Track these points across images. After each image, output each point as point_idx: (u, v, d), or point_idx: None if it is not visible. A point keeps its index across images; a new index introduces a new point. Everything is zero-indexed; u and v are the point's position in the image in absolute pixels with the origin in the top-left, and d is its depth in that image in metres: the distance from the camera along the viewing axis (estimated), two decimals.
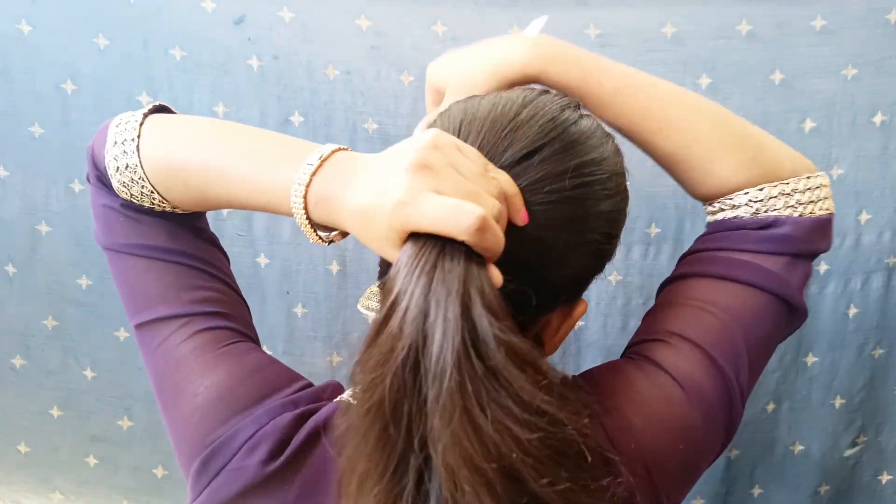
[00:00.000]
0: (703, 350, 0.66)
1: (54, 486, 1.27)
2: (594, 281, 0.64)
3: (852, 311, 1.14)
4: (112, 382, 1.22)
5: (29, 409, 1.24)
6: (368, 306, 0.65)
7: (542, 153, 0.55)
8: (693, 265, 0.73)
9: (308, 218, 0.54)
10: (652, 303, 1.14)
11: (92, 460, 1.25)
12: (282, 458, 0.60)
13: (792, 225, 0.70)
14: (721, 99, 1.08)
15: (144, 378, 1.20)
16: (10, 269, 1.18)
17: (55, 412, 1.23)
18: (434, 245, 0.48)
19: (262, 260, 1.14)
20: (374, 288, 0.64)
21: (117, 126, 0.65)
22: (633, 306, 1.16)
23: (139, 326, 0.67)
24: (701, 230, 1.12)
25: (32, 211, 1.16)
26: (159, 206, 0.65)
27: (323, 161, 0.53)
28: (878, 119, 1.07)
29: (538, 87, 0.66)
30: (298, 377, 0.67)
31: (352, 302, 1.16)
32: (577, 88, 0.70)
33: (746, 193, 0.71)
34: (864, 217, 1.10)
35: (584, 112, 0.62)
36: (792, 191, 0.72)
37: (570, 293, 0.62)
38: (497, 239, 0.48)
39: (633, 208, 1.11)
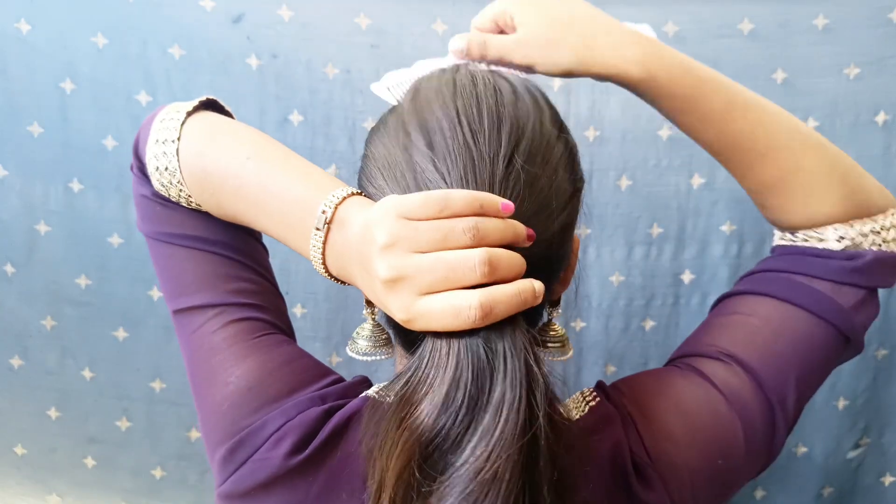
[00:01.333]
0: (753, 373, 0.64)
1: (51, 487, 1.26)
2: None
3: None
4: (110, 383, 1.21)
5: (26, 411, 1.23)
6: (357, 350, 0.64)
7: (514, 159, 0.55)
8: (758, 284, 0.70)
9: (330, 275, 0.57)
10: (653, 302, 1.15)
11: (90, 461, 1.24)
12: (306, 452, 0.60)
13: (873, 259, 0.67)
14: None
15: (143, 379, 1.20)
16: (9, 268, 1.18)
17: (53, 413, 1.23)
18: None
19: None
20: (360, 330, 0.64)
21: (161, 122, 0.65)
22: (635, 307, 1.15)
23: (176, 312, 0.68)
24: (701, 230, 1.12)
25: (31, 210, 1.15)
26: (196, 206, 0.66)
27: (329, 226, 0.54)
28: (880, 118, 1.06)
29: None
30: (329, 371, 0.67)
31: (351, 302, 1.15)
32: (684, 99, 0.68)
33: (836, 229, 0.68)
34: None
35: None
36: (881, 228, 0.69)
37: (567, 243, 0.63)
38: (509, 297, 0.48)
39: (635, 208, 1.13)
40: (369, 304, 0.62)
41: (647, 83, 0.68)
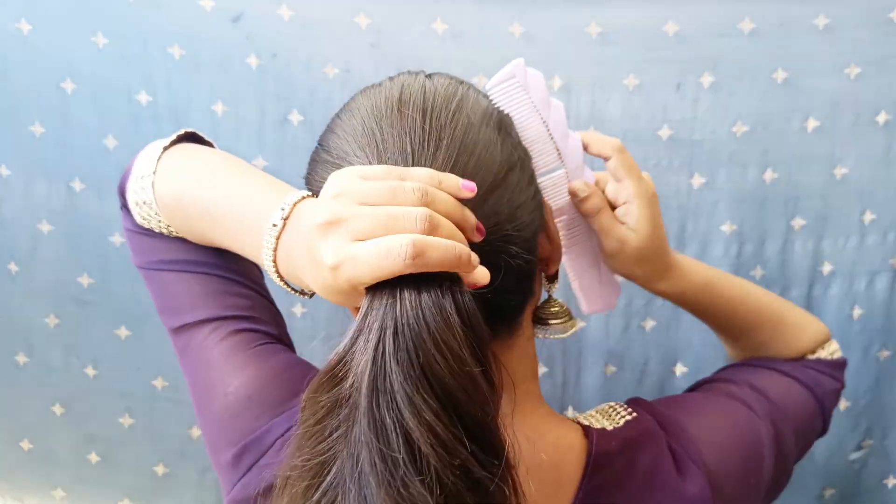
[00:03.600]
0: (771, 401, 0.76)
1: (56, 483, 1.28)
2: None
3: (857, 312, 1.13)
4: (113, 380, 1.22)
5: (31, 407, 1.24)
6: None
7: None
8: (755, 363, 0.86)
9: (281, 278, 0.55)
10: (653, 302, 1.15)
11: (93, 458, 1.25)
12: None
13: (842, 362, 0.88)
14: (723, 98, 1.07)
15: (145, 377, 1.21)
16: (13, 267, 1.19)
17: (57, 409, 1.24)
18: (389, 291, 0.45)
19: None
20: None
21: (141, 158, 0.68)
22: (634, 307, 1.15)
23: (174, 331, 0.69)
24: (702, 230, 1.12)
25: (34, 210, 1.16)
26: (177, 235, 0.68)
27: (285, 222, 0.53)
28: (881, 118, 1.06)
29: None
30: None
31: None
32: (699, 305, 0.86)
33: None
34: (867, 217, 1.09)
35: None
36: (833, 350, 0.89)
37: (539, 220, 0.61)
38: (445, 247, 0.44)
39: None
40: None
41: (677, 297, 0.82)
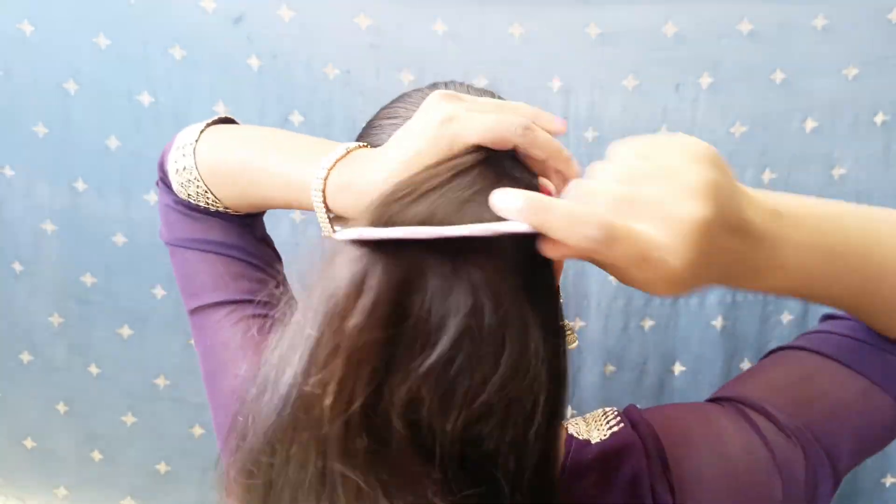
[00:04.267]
0: (803, 435, 0.59)
1: (59, 481, 1.28)
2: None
3: None
4: (116, 379, 1.23)
5: (35, 405, 1.25)
6: None
7: None
8: (827, 346, 0.63)
9: (327, 208, 0.55)
10: (652, 301, 1.15)
11: (96, 456, 1.26)
12: None
13: None
14: (722, 98, 1.08)
15: (147, 375, 1.22)
16: (17, 266, 1.19)
17: (61, 408, 1.25)
18: None
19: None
20: None
21: (183, 132, 0.70)
22: (634, 307, 1.15)
23: (193, 312, 0.71)
24: None
25: (37, 210, 1.17)
26: (213, 205, 0.69)
27: (345, 154, 0.55)
28: (879, 119, 1.06)
29: None
30: None
31: None
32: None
33: None
34: None
35: None
36: None
37: None
38: (546, 138, 0.48)
39: None
40: None
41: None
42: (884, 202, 1.07)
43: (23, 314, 1.22)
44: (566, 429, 0.64)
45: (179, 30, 1.10)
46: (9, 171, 1.16)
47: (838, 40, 1.04)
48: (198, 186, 0.68)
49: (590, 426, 0.63)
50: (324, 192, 0.54)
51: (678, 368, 1.16)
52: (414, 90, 0.66)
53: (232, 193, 0.67)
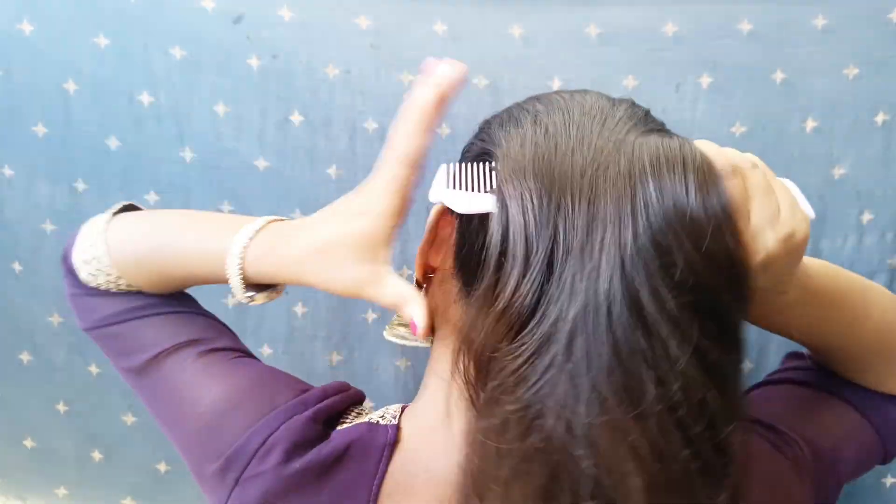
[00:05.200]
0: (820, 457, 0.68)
1: (60, 480, 1.28)
2: None
3: None
4: (116, 379, 1.19)
5: (34, 405, 1.25)
6: (398, 334, 0.65)
7: None
8: (841, 389, 0.74)
9: (243, 276, 0.59)
10: None
11: (96, 456, 1.26)
12: (299, 463, 0.60)
13: None
14: (722, 98, 1.08)
15: None
16: (17, 266, 1.19)
17: (61, 407, 1.25)
18: None
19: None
20: (399, 317, 0.64)
21: (88, 226, 0.71)
22: None
23: (141, 370, 0.70)
24: None
25: (37, 210, 1.17)
26: (121, 289, 0.70)
27: (264, 225, 0.60)
28: (880, 119, 1.06)
29: None
30: (301, 382, 0.69)
31: (352, 302, 1.16)
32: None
33: None
34: (866, 217, 1.09)
35: None
36: None
37: None
38: None
39: None
40: (391, 328, 0.64)
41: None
42: (884, 201, 1.08)
43: (22, 314, 1.22)
44: None
45: (179, 30, 1.10)
46: (8, 171, 1.16)
47: (838, 40, 1.04)
48: (108, 275, 0.68)
49: None
50: (242, 264, 0.59)
51: None
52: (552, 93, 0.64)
53: (149, 278, 0.68)
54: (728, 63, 1.06)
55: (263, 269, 0.59)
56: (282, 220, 0.62)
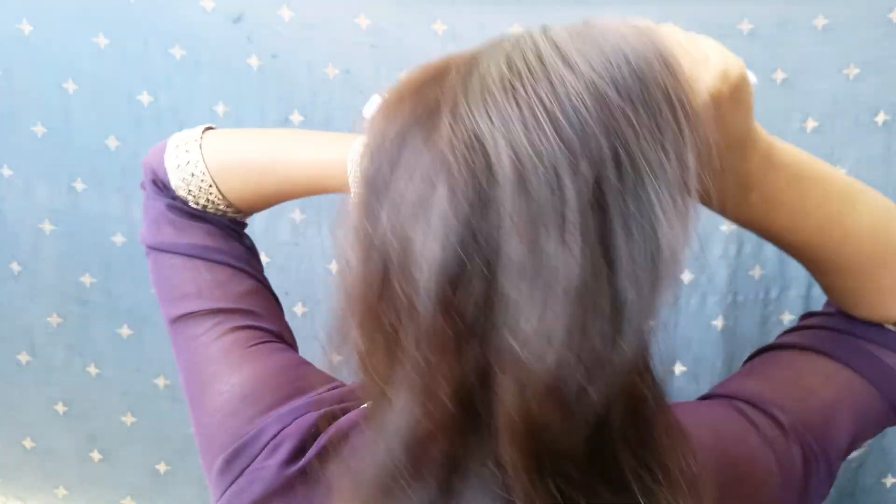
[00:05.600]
0: (800, 433, 0.60)
1: (59, 481, 1.28)
2: None
3: None
4: (115, 379, 1.23)
5: (34, 406, 1.25)
6: None
7: None
8: (819, 342, 0.66)
9: None
10: None
11: (96, 456, 1.26)
12: (302, 462, 0.59)
13: None
14: None
15: (147, 375, 1.21)
16: (16, 266, 1.19)
17: (60, 408, 1.25)
18: None
19: (263, 258, 1.14)
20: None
21: (179, 135, 0.70)
22: None
23: (174, 321, 0.69)
24: (700, 230, 1.12)
25: (36, 210, 1.17)
26: (213, 203, 0.68)
27: None
28: (880, 119, 1.06)
29: None
30: (329, 378, 0.67)
31: None
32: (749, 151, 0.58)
33: None
34: None
35: None
36: None
37: None
38: None
39: None
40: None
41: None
42: None
43: (21, 314, 1.22)
44: None
45: (179, 29, 1.09)
46: (7, 171, 1.15)
47: (839, 40, 1.04)
48: (202, 181, 0.67)
49: None
50: None
51: (678, 368, 1.16)
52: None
53: (242, 185, 0.67)
54: None
55: None
56: None
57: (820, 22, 1.04)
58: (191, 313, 0.67)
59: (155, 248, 0.71)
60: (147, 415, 1.24)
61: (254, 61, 1.10)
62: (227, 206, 0.70)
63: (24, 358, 1.23)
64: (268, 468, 0.60)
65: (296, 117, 1.11)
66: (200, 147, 0.68)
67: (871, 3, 1.02)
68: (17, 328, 1.22)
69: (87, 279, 1.19)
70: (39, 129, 1.13)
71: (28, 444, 1.27)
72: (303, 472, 0.59)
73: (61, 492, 1.28)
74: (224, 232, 0.71)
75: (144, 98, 1.12)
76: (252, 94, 1.11)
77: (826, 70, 1.05)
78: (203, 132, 0.70)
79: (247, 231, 0.77)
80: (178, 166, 0.68)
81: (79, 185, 1.15)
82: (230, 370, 0.64)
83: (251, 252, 0.74)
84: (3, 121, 1.14)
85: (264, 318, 0.69)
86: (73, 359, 1.23)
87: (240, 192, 0.69)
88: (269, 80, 1.10)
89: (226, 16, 1.08)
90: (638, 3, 1.06)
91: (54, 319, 1.21)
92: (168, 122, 1.12)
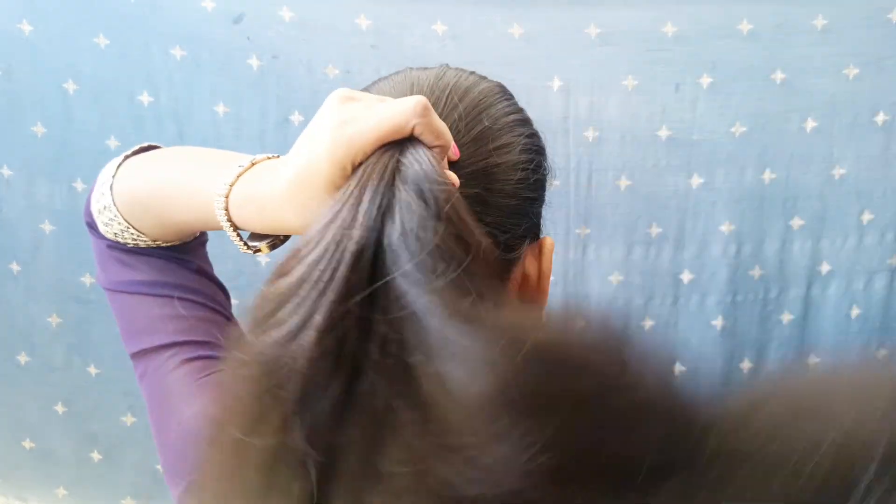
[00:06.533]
0: None
1: (59, 481, 1.28)
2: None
3: (855, 312, 1.13)
4: (115, 379, 1.23)
5: (33, 406, 1.25)
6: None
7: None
8: None
9: (233, 225, 0.53)
10: (651, 302, 1.15)
11: (95, 456, 1.26)
12: None
13: None
14: (722, 98, 1.08)
15: None
16: (15, 266, 1.19)
17: (59, 408, 1.24)
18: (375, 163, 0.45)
19: (263, 259, 1.14)
20: None
21: (103, 171, 0.67)
22: (633, 306, 1.15)
23: (133, 357, 0.69)
24: (700, 230, 1.12)
25: (36, 210, 1.17)
26: (140, 240, 0.67)
27: (249, 166, 0.52)
28: (879, 119, 1.06)
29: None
30: None
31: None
32: None
33: None
34: (866, 217, 1.09)
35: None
36: None
37: (526, 226, 0.59)
38: (441, 124, 0.46)
39: (634, 208, 1.13)
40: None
41: None
42: (884, 201, 1.08)
43: (21, 315, 1.22)
44: None
45: (180, 30, 1.09)
46: (7, 171, 1.15)
47: (838, 40, 1.04)
48: (119, 223, 0.65)
49: None
50: (226, 209, 0.52)
51: (678, 368, 1.16)
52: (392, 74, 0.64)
53: (149, 222, 0.65)
54: (728, 63, 1.07)
55: (249, 217, 0.52)
56: (273, 157, 0.55)
57: (820, 22, 1.04)
58: (146, 349, 0.67)
59: (107, 289, 0.70)
60: (147, 415, 1.23)
61: (254, 61, 1.10)
62: (155, 240, 0.68)
63: (23, 359, 1.23)
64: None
65: (296, 117, 1.11)
66: (111, 188, 0.65)
67: (870, 3, 1.03)
68: (17, 329, 1.22)
69: (86, 279, 1.19)
70: (39, 129, 1.13)
71: (28, 444, 1.27)
72: None
73: (61, 492, 1.28)
74: (167, 262, 0.69)
75: (145, 98, 1.12)
76: (252, 94, 1.11)
77: (825, 70, 1.05)
78: (120, 164, 0.66)
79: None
80: (100, 211, 0.66)
81: (79, 186, 1.15)
82: (186, 402, 0.64)
83: (202, 277, 0.72)
84: (2, 121, 1.13)
85: (217, 347, 0.68)
86: (73, 359, 1.23)
87: (153, 229, 0.66)
88: (269, 79, 1.10)
89: (226, 16, 1.08)
90: (638, 4, 1.06)
91: (54, 319, 1.21)
92: (168, 123, 1.12)
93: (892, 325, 1.13)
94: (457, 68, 0.60)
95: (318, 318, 0.41)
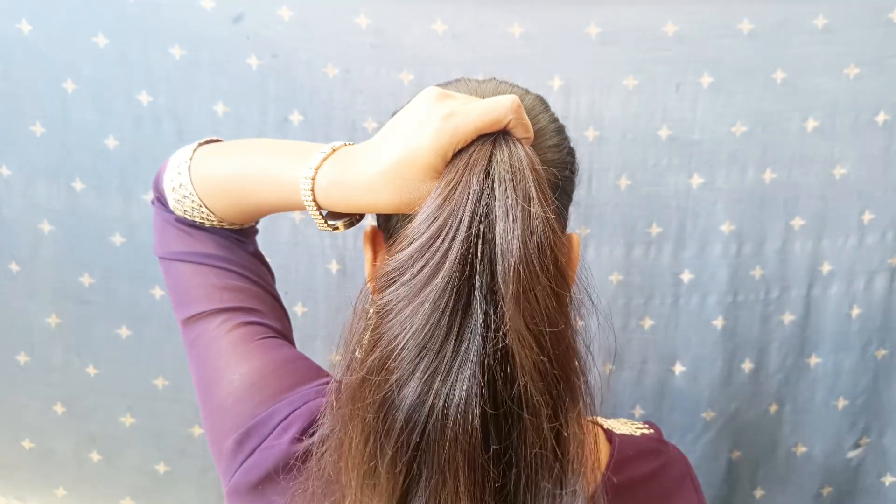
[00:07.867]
0: None
1: (58, 481, 1.28)
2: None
3: (855, 311, 1.13)
4: (114, 380, 1.23)
5: (33, 406, 1.25)
6: None
7: None
8: None
9: (317, 205, 0.58)
10: (651, 301, 1.15)
11: (95, 456, 1.26)
12: (306, 442, 0.62)
13: None
14: (722, 98, 1.08)
15: (146, 376, 1.21)
16: (14, 266, 1.19)
17: (59, 409, 1.24)
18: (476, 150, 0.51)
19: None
20: None
21: (178, 154, 0.73)
22: (633, 306, 1.15)
23: (185, 322, 0.72)
24: (701, 229, 1.12)
25: (35, 210, 1.17)
26: (208, 220, 0.71)
27: (333, 150, 0.57)
28: (880, 118, 1.06)
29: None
30: (327, 373, 0.70)
31: (351, 302, 1.15)
32: None
33: None
34: (867, 217, 1.09)
35: None
36: None
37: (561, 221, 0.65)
38: (528, 120, 0.53)
39: (635, 208, 1.13)
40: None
41: None
42: (884, 201, 1.08)
43: (20, 315, 1.22)
44: (602, 424, 0.69)
45: (179, 29, 1.09)
46: (6, 171, 1.15)
47: (839, 40, 1.04)
48: (193, 201, 0.70)
49: (622, 426, 0.70)
50: (313, 190, 0.57)
51: (678, 368, 1.16)
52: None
53: (225, 204, 0.69)
54: (728, 62, 1.07)
55: (335, 198, 0.57)
56: (350, 144, 0.60)
57: (820, 22, 1.04)
58: (201, 313, 0.71)
59: (165, 258, 0.74)
60: (146, 415, 1.24)
61: (253, 61, 1.09)
62: (221, 221, 0.73)
63: (22, 359, 1.23)
64: (279, 445, 0.63)
65: (296, 117, 1.11)
66: (189, 169, 0.70)
67: (871, 3, 1.03)
68: (16, 329, 1.22)
69: (85, 279, 1.19)
70: (38, 129, 1.13)
71: (27, 444, 1.26)
72: (306, 452, 0.62)
73: (60, 492, 1.28)
74: (227, 241, 0.74)
75: (144, 98, 1.11)
76: (252, 94, 1.11)
77: (826, 70, 1.05)
78: (195, 151, 0.72)
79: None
80: (174, 188, 0.71)
81: (78, 185, 1.15)
82: (239, 361, 0.68)
83: (256, 259, 0.77)
84: (1, 120, 1.13)
85: (268, 317, 0.73)
86: (72, 359, 1.22)
87: (225, 210, 0.71)
88: (269, 79, 1.10)
89: (226, 15, 1.08)
90: (638, 3, 1.06)
91: (53, 320, 1.21)
92: (167, 122, 1.12)
93: (893, 324, 1.13)
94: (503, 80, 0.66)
95: (443, 273, 0.49)
